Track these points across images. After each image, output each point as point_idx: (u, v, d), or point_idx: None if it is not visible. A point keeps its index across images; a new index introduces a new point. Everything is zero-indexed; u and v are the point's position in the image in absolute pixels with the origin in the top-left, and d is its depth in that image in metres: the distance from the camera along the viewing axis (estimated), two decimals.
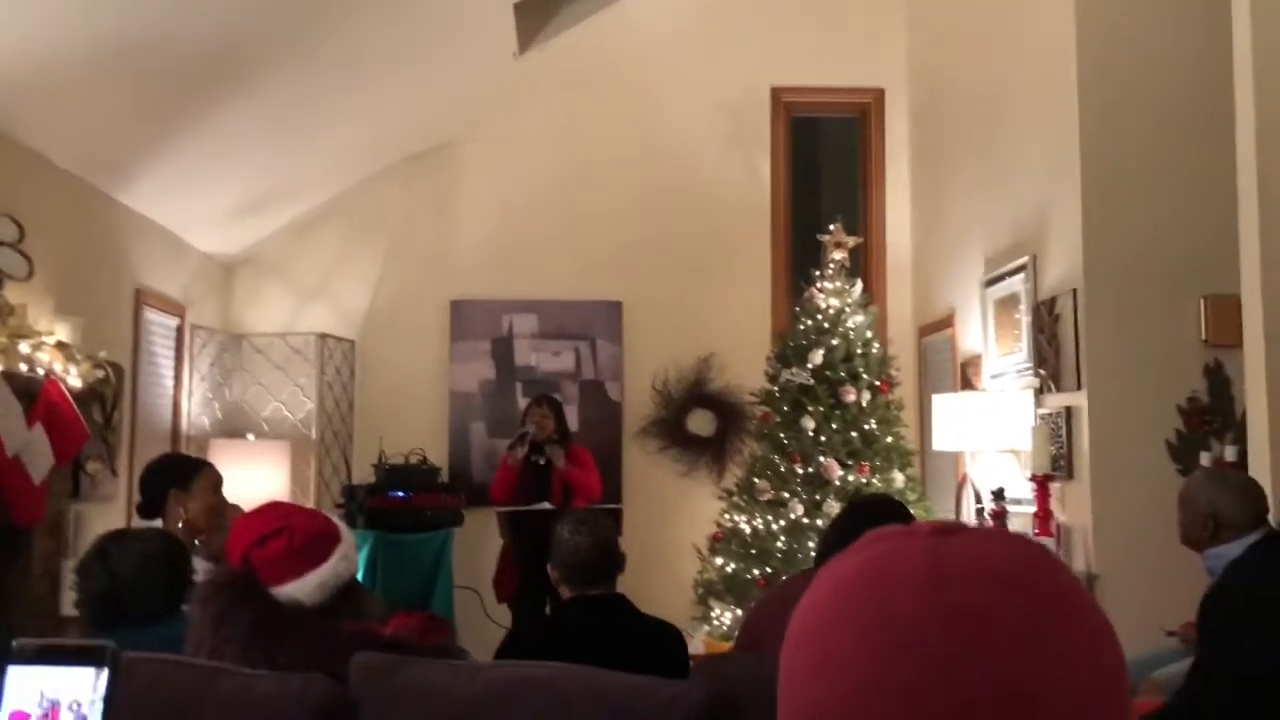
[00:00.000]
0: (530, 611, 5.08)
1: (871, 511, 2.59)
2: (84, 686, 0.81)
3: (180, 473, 3.27)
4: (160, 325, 5.42)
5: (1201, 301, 4.18)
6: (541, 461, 5.40)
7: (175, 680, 1.85)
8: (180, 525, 3.12)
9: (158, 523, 3.12)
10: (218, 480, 3.29)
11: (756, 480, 5.34)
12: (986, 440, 4.78)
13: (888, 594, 0.57)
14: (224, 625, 1.93)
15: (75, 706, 0.79)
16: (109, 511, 4.69)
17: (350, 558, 2.09)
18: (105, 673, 0.82)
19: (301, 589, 2.02)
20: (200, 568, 2.51)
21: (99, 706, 0.80)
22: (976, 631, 0.55)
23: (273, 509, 2.19)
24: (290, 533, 2.03)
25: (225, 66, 4.36)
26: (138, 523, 3.34)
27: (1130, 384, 4.22)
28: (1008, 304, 4.93)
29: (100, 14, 3.61)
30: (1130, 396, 4.21)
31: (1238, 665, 2.52)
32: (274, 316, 6.37)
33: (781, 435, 5.32)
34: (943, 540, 0.58)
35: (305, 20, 4.35)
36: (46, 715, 0.79)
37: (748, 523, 5.29)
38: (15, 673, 0.81)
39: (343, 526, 2.17)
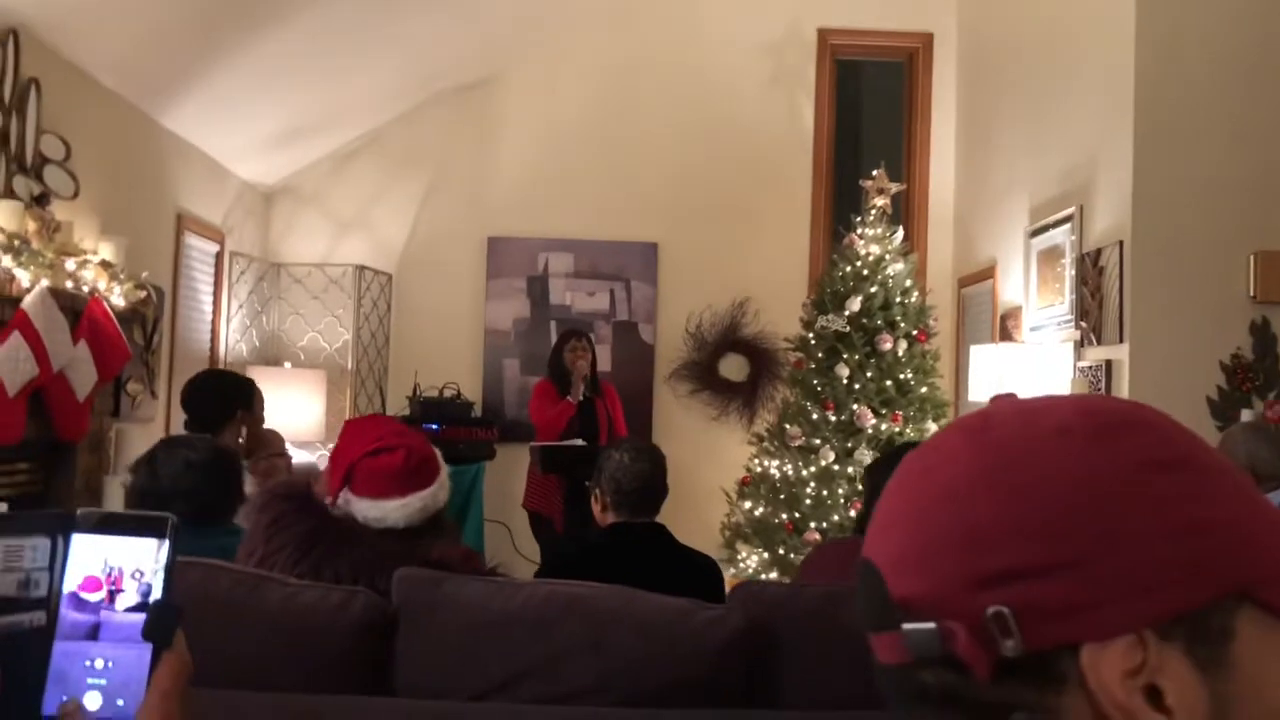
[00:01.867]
0: (561, 536, 5.12)
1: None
2: (146, 556, 0.82)
3: (241, 393, 3.35)
4: (200, 250, 5.45)
5: (1251, 257, 4.11)
6: (585, 397, 5.39)
7: (219, 586, 1.87)
8: (242, 442, 3.18)
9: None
10: (263, 399, 3.36)
11: (788, 426, 5.34)
12: (1024, 392, 4.73)
13: None
14: (277, 534, 1.96)
15: (138, 574, 0.80)
16: (148, 431, 4.75)
17: (446, 487, 2.12)
18: (166, 544, 0.82)
19: (403, 508, 2.05)
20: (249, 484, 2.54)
21: (161, 576, 0.81)
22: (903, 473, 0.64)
23: (386, 423, 2.21)
24: (407, 450, 2.05)
25: None
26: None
27: (1174, 338, 4.17)
28: (1051, 255, 4.87)
29: None
30: (1173, 351, 4.16)
31: None
32: (312, 247, 6.40)
33: (815, 382, 5.31)
34: None
35: None
36: (112, 582, 0.80)
37: (778, 468, 5.30)
38: (80, 540, 0.82)
39: (440, 455, 2.19)
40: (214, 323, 5.61)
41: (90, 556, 0.78)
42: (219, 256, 5.67)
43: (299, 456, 4.94)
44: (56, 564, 0.77)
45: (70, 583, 0.79)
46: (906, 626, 0.58)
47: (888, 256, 5.37)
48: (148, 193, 4.88)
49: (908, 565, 0.60)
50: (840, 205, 6.37)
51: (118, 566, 0.78)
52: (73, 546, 0.78)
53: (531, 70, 6.48)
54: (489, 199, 6.45)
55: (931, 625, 0.58)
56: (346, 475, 2.10)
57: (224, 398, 3.38)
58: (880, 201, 5.46)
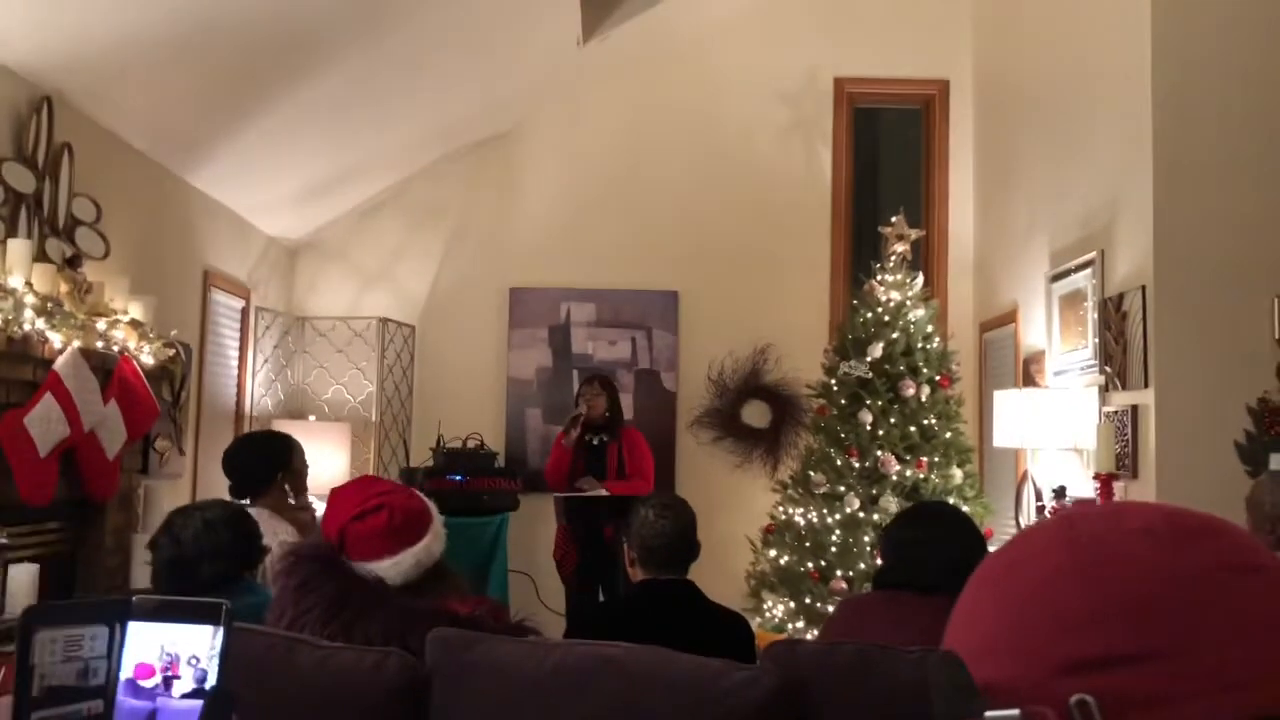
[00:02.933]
0: (584, 590, 5.12)
1: (933, 521, 2.57)
2: (201, 642, 0.83)
3: (282, 451, 3.41)
4: (226, 307, 5.51)
5: (1275, 300, 4.10)
6: (595, 442, 5.41)
7: (254, 649, 1.89)
8: (291, 501, 3.23)
9: (245, 502, 3.21)
10: (302, 448, 3.40)
11: (812, 473, 5.33)
12: (1049, 437, 4.72)
13: None
14: (306, 597, 1.97)
15: (194, 661, 0.82)
16: (177, 488, 4.78)
17: (441, 537, 2.12)
18: (221, 630, 0.84)
19: (395, 566, 2.06)
20: (286, 535, 2.56)
21: (216, 662, 0.83)
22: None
23: (370, 484, 2.23)
24: (390, 510, 2.07)
25: (293, 53, 4.42)
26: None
27: (1199, 383, 4.15)
28: (1073, 300, 4.87)
29: (176, 1, 3.68)
30: (1199, 396, 4.14)
31: None
32: (336, 300, 6.46)
33: (838, 428, 5.30)
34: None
35: (371, 8, 4.39)
36: (167, 668, 0.82)
37: (802, 515, 5.28)
38: (136, 628, 0.84)
39: (433, 506, 2.20)
40: (240, 378, 5.66)
41: (147, 643, 0.80)
42: (245, 312, 5.73)
43: (321, 509, 4.95)
44: (114, 652, 0.79)
45: (127, 669, 0.80)
46: (990, 714, 0.59)
47: (908, 302, 5.38)
48: (176, 251, 4.95)
49: (992, 651, 0.62)
50: (860, 252, 6.40)
51: (174, 653, 0.80)
52: (129, 633, 0.80)
53: (550, 123, 6.56)
54: (510, 250, 6.51)
55: (1015, 712, 0.58)
56: (340, 544, 2.12)
57: (264, 461, 3.44)
58: (900, 248, 5.48)
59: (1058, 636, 0.59)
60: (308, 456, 5.24)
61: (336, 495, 2.20)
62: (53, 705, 0.76)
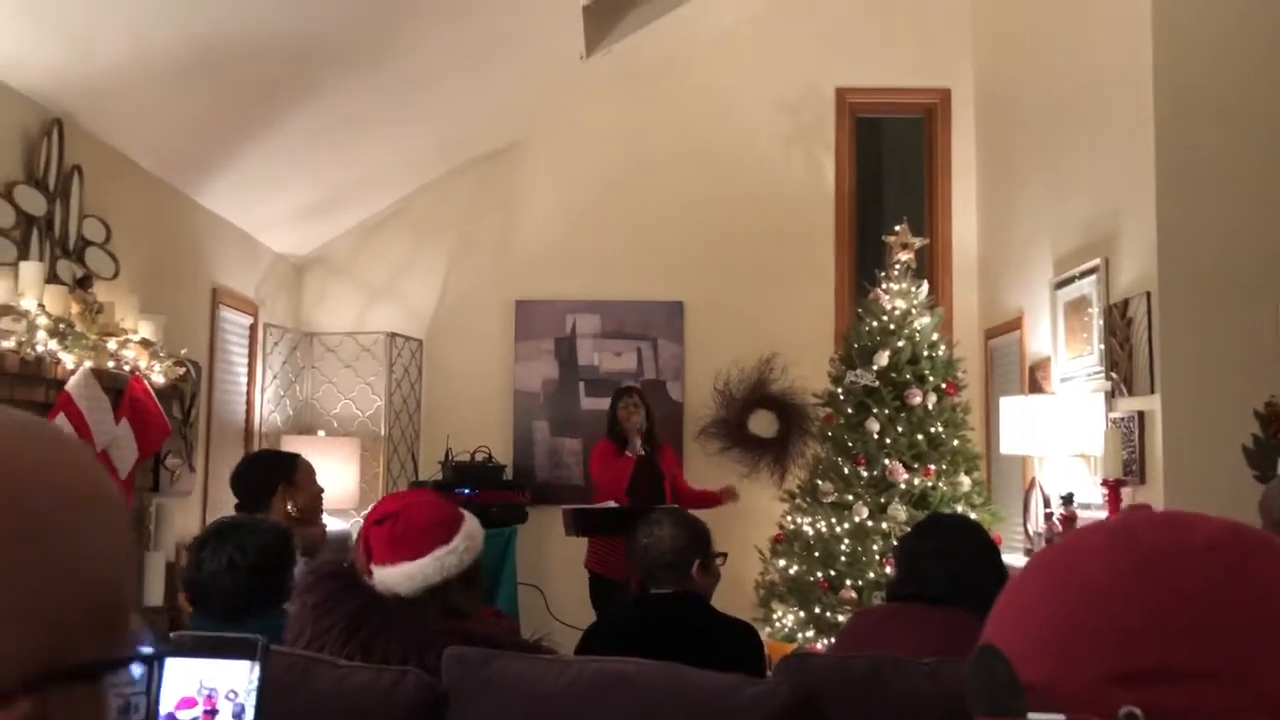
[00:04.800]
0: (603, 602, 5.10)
1: (948, 533, 2.58)
2: (239, 677, 0.85)
3: (282, 467, 3.42)
4: (235, 324, 5.54)
5: None
6: (641, 454, 5.40)
7: (273, 668, 1.90)
8: (287, 517, 3.23)
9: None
10: (313, 470, 3.42)
11: (820, 482, 5.34)
12: (1056, 444, 4.74)
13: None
14: (325, 615, 1.99)
15: (232, 695, 0.84)
16: (188, 505, 4.81)
17: (448, 563, 2.11)
18: (258, 665, 0.86)
19: (391, 576, 2.08)
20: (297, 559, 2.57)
21: (253, 697, 0.85)
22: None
23: (404, 495, 2.25)
24: (398, 520, 2.09)
25: (298, 72, 4.46)
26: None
27: (1205, 388, 4.16)
28: (1078, 306, 4.88)
29: (181, 21, 3.71)
30: (1205, 400, 4.15)
31: None
32: (343, 315, 6.49)
33: (846, 437, 5.31)
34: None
35: (375, 26, 4.42)
36: (208, 702, 0.84)
37: (811, 525, 5.29)
38: (174, 664, 0.86)
39: (465, 530, 2.17)
40: (249, 394, 5.69)
41: (185, 678, 0.82)
42: (253, 328, 5.76)
43: (334, 525, 4.97)
44: (153, 687, 0.80)
45: (166, 704, 0.82)
46: (1034, 715, 0.58)
47: (914, 310, 5.40)
48: (185, 269, 4.98)
49: (1041, 652, 0.61)
50: (864, 260, 6.42)
51: (212, 687, 0.82)
52: (167, 669, 0.82)
53: (554, 136, 6.59)
54: (515, 263, 6.53)
55: (1060, 717, 0.57)
56: (366, 547, 2.15)
57: (264, 476, 3.46)
58: (904, 256, 5.50)
59: (1111, 644, 0.58)
60: (318, 471, 5.29)
61: (382, 499, 2.26)
62: None
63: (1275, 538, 0.63)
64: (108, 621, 0.62)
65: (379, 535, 2.11)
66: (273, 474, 3.48)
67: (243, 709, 0.82)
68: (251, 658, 0.84)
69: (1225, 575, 0.59)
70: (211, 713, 0.82)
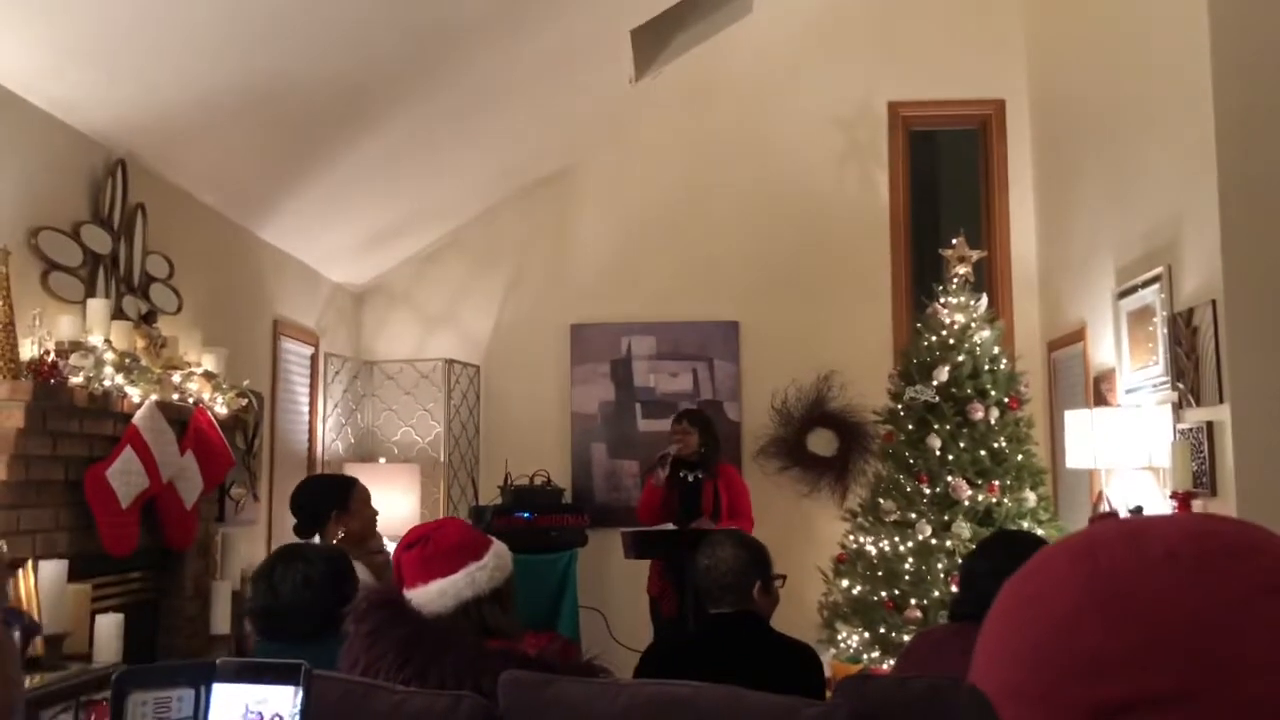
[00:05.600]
0: (669, 630, 5.08)
1: (1014, 551, 2.54)
2: (284, 702, 0.86)
3: (337, 493, 3.48)
4: (296, 354, 5.63)
5: None
6: (690, 479, 5.38)
7: (330, 696, 1.92)
8: (339, 540, 3.28)
9: (316, 539, 3.28)
10: (368, 494, 3.46)
11: (882, 501, 5.27)
12: (1123, 457, 4.63)
13: None
14: (377, 643, 2.01)
15: (278, 718, 0.85)
16: (252, 534, 4.88)
17: (479, 579, 2.15)
18: (301, 690, 0.87)
19: (424, 594, 2.12)
20: (362, 576, 2.62)
21: (297, 718, 0.85)
22: None
23: (436, 522, 2.32)
24: (429, 541, 2.15)
25: (352, 106, 4.54)
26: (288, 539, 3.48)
27: (1276, 396, 4.04)
28: (1141, 316, 4.78)
29: (238, 60, 3.80)
30: (1276, 409, 4.04)
31: None
32: (402, 343, 6.57)
33: (907, 454, 5.25)
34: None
35: (425, 59, 4.49)
36: None
37: (874, 544, 5.22)
38: (220, 690, 0.87)
39: (494, 549, 2.23)
40: (311, 423, 5.77)
41: (232, 702, 0.83)
42: (314, 358, 5.85)
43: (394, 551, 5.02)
44: (200, 713, 0.82)
45: None
46: None
47: (973, 324, 5.33)
48: (246, 302, 5.08)
49: (1019, 694, 0.59)
50: (921, 274, 6.36)
51: (259, 711, 0.83)
52: (214, 695, 0.83)
53: (605, 160, 6.62)
54: (570, 286, 6.57)
55: None
56: (399, 574, 2.20)
57: (318, 501, 3.52)
58: (962, 270, 5.44)
59: (1083, 680, 0.57)
60: (377, 499, 5.35)
61: (409, 530, 2.32)
62: None
63: (1246, 534, 0.60)
64: None
65: (411, 559, 2.16)
66: (327, 499, 3.53)
67: None
68: (295, 683, 0.85)
69: (1189, 586, 0.57)
70: None
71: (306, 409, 5.75)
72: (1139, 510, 4.51)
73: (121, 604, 3.68)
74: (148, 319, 3.93)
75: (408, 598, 2.14)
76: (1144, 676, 0.56)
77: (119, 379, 3.48)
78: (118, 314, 3.73)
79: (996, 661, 0.62)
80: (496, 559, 2.21)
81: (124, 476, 3.51)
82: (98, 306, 3.57)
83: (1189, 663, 0.55)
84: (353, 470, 5.88)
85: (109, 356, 3.44)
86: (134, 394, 3.58)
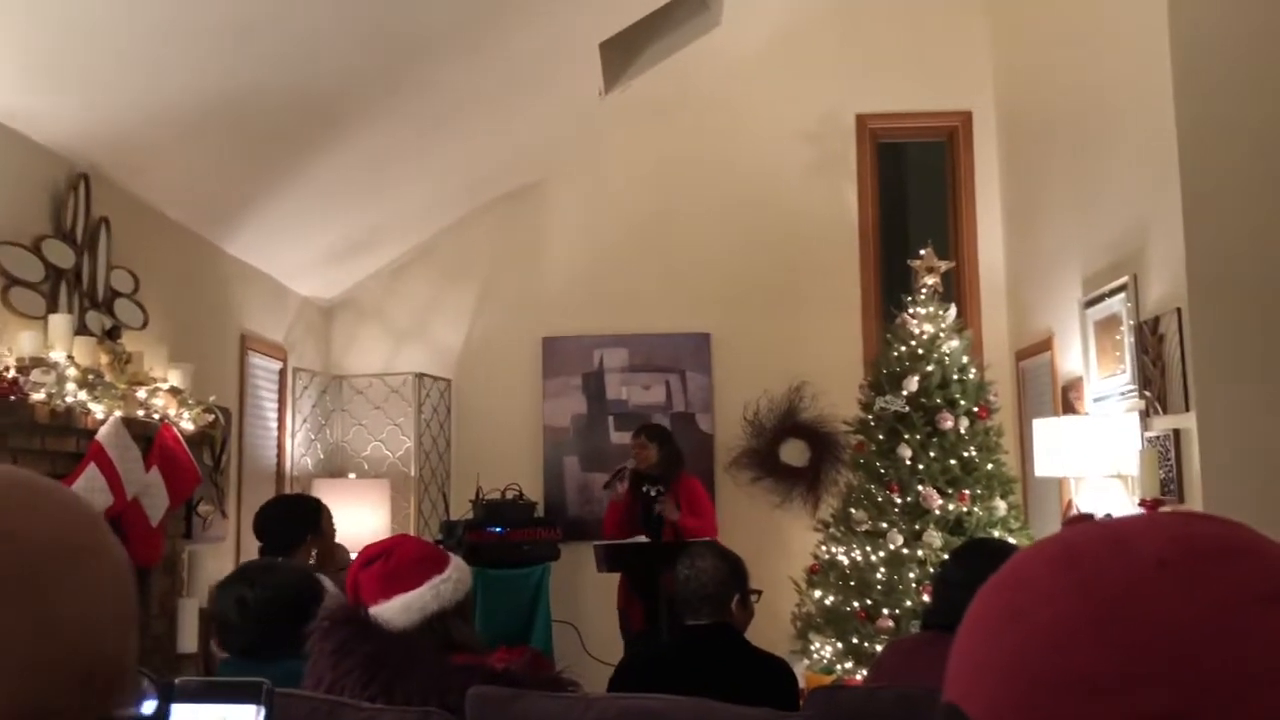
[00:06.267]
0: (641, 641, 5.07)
1: (986, 559, 2.55)
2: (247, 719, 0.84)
3: (309, 516, 3.46)
4: (264, 369, 5.58)
5: None
6: (651, 493, 5.39)
7: (297, 714, 1.89)
8: (313, 562, 3.27)
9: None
10: (330, 514, 3.44)
11: (853, 510, 5.28)
12: (1091, 465, 4.66)
13: None
14: (343, 660, 1.98)
15: None
16: (220, 551, 4.82)
17: (443, 591, 2.15)
18: (263, 709, 0.85)
19: (388, 609, 2.11)
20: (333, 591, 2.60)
21: None
22: None
23: (390, 539, 2.30)
24: (388, 557, 2.14)
25: (319, 118, 4.51)
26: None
27: (1241, 403, 4.08)
28: (1108, 325, 4.82)
29: (203, 73, 3.77)
30: (1242, 416, 4.07)
31: None
32: (372, 358, 6.53)
33: (878, 464, 5.26)
34: None
35: (392, 71, 4.48)
36: None
37: (846, 554, 5.23)
38: (180, 710, 0.85)
39: (454, 563, 2.22)
40: (280, 439, 5.72)
41: None
42: (282, 373, 5.80)
43: None
44: None
45: None
46: None
47: (942, 334, 5.35)
48: (213, 317, 5.03)
49: (1010, 714, 0.56)
50: (890, 285, 6.38)
51: None
52: (172, 717, 0.81)
53: (576, 172, 6.62)
54: (541, 299, 6.55)
55: None
56: (355, 594, 2.19)
57: (292, 524, 3.50)
58: (930, 280, 5.46)
59: (1082, 702, 0.54)
60: (348, 514, 5.32)
61: (363, 549, 2.30)
62: None
63: (1234, 536, 0.58)
64: (98, 679, 0.60)
65: (371, 576, 2.15)
66: (300, 523, 3.52)
67: None
68: (257, 702, 0.83)
69: (1183, 596, 0.54)
70: None
71: (275, 424, 5.70)
72: (1108, 519, 4.54)
73: None
74: (111, 334, 3.88)
75: (371, 614, 2.12)
76: (1143, 694, 0.53)
77: (82, 395, 3.44)
78: (81, 329, 3.68)
79: (978, 677, 0.58)
80: (458, 571, 2.20)
81: (87, 494, 3.45)
82: (60, 322, 3.52)
83: (1189, 678, 0.53)
84: (322, 486, 5.83)
85: (71, 372, 3.40)
86: (98, 410, 3.53)
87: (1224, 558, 0.56)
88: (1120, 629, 0.54)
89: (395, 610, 2.11)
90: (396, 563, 2.14)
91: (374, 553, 2.19)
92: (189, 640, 4.15)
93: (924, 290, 5.44)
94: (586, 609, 5.91)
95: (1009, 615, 0.58)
